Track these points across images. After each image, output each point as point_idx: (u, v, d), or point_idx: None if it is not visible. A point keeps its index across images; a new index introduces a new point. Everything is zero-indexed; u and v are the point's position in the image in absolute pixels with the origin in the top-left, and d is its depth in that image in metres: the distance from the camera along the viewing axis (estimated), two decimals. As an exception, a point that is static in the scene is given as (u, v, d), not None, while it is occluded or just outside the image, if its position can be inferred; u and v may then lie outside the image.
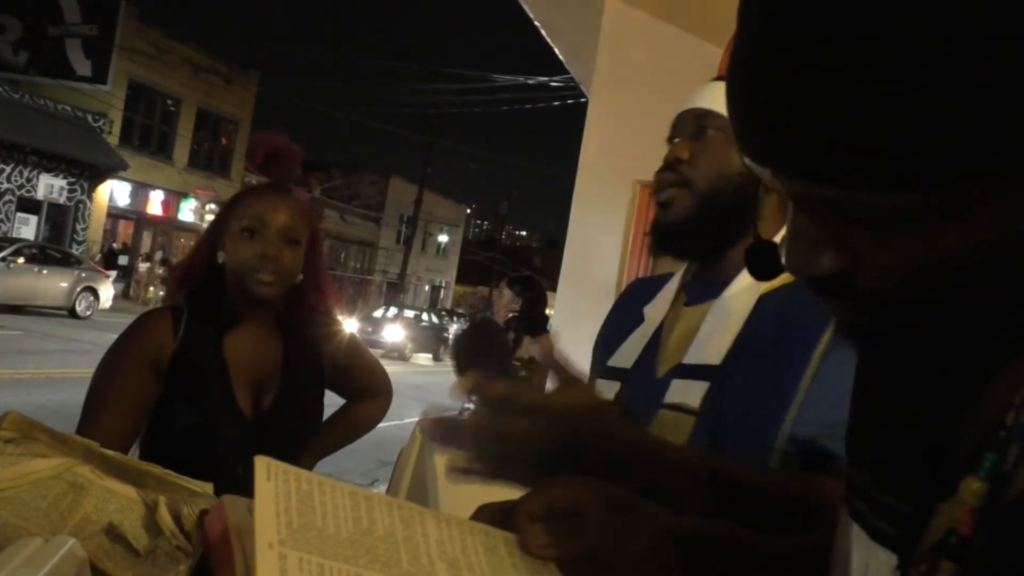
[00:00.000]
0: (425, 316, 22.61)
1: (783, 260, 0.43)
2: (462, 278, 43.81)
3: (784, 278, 0.89)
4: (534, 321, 3.84)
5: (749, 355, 0.89)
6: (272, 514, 0.44)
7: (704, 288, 0.99)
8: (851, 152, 0.36)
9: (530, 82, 29.62)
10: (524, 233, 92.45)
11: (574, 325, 2.97)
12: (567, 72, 4.29)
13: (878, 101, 0.34)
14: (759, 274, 0.72)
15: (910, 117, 0.34)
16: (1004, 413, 0.38)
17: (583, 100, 3.49)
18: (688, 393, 0.90)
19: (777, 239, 0.91)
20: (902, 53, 0.34)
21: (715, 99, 0.99)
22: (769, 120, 0.38)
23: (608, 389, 1.00)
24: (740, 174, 0.93)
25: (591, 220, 3.00)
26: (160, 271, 19.44)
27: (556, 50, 3.84)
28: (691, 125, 1.00)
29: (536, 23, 3.61)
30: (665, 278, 1.10)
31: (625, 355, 1.02)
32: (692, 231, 0.96)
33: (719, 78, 1.06)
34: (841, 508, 0.50)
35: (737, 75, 0.39)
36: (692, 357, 0.92)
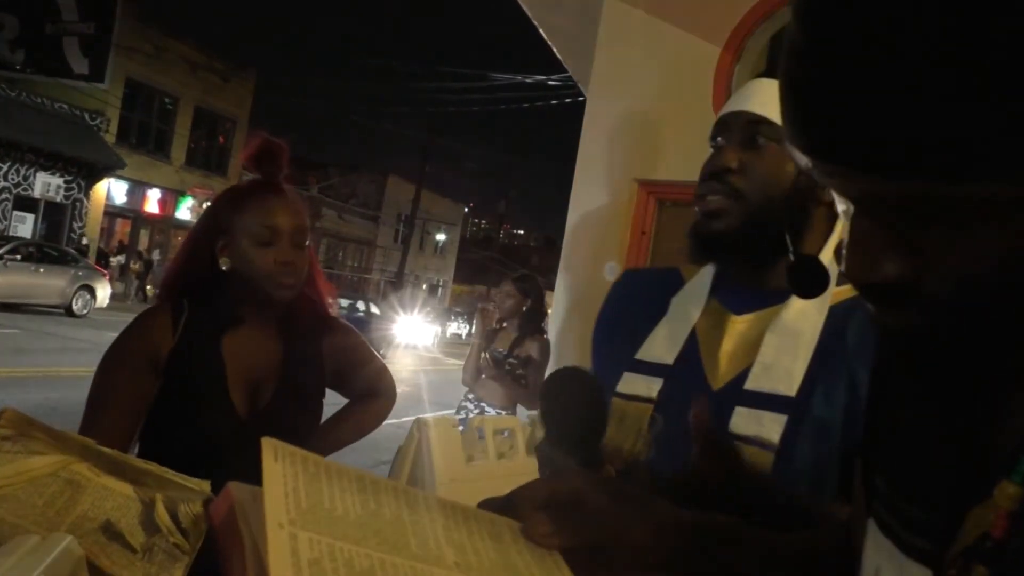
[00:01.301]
0: (361, 305, 19.47)
1: (843, 267, 0.41)
2: (460, 277, 43.85)
3: (848, 290, 0.87)
4: (532, 320, 3.85)
5: (828, 384, 0.84)
6: (281, 495, 0.44)
7: (749, 297, 0.94)
8: (942, 142, 0.33)
9: (528, 81, 29.66)
10: (522, 232, 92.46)
11: (572, 324, 2.97)
12: (565, 71, 4.29)
13: (965, 85, 0.32)
14: (803, 291, 0.70)
15: (998, 102, 0.32)
16: None
17: (581, 99, 3.49)
18: (761, 425, 0.84)
19: (823, 256, 0.89)
20: (985, 32, 0.31)
21: (768, 105, 0.92)
22: (843, 115, 0.35)
23: (643, 384, 0.95)
24: (792, 186, 0.89)
25: (588, 219, 3.00)
26: (135, 265, 19.35)
27: (554, 49, 3.84)
28: (741, 131, 0.93)
29: (534, 22, 3.61)
30: (666, 272, 1.07)
31: (659, 349, 0.97)
32: (740, 243, 0.91)
33: (764, 74, 1.00)
34: (868, 521, 0.49)
35: (801, 70, 0.36)
36: (759, 383, 0.87)
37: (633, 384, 0.97)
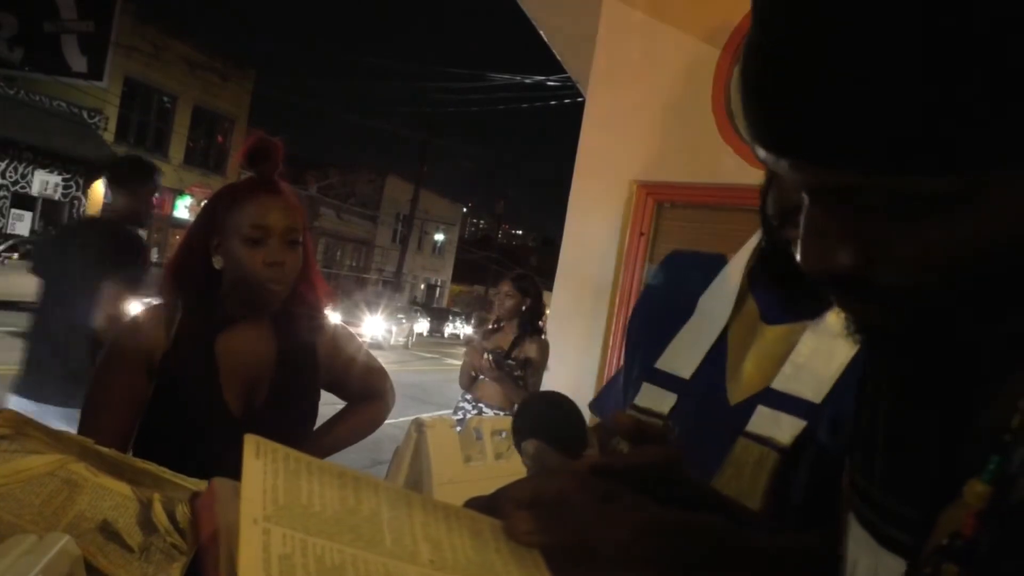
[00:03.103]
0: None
1: (799, 258, 0.41)
2: (458, 277, 43.79)
3: None
4: (531, 320, 3.84)
5: (849, 398, 0.80)
6: (259, 491, 0.44)
7: (789, 306, 0.88)
8: (886, 135, 0.34)
9: (527, 81, 29.63)
10: (520, 232, 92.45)
11: (570, 325, 2.97)
12: (564, 72, 4.29)
13: (918, 79, 0.33)
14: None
15: (948, 97, 0.33)
16: (1010, 417, 0.38)
17: (580, 100, 3.50)
18: (778, 426, 0.80)
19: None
20: (938, 34, 0.32)
21: None
22: (794, 106, 0.36)
23: (658, 398, 0.90)
24: None
25: (587, 219, 3.00)
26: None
27: (553, 50, 3.84)
28: None
29: (534, 22, 3.61)
30: (711, 258, 0.99)
31: (680, 360, 0.91)
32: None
33: None
34: (847, 513, 0.50)
35: (756, 63, 0.38)
36: (785, 384, 0.83)
37: (648, 396, 0.91)
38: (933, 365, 0.45)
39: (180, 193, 22.22)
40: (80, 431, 1.31)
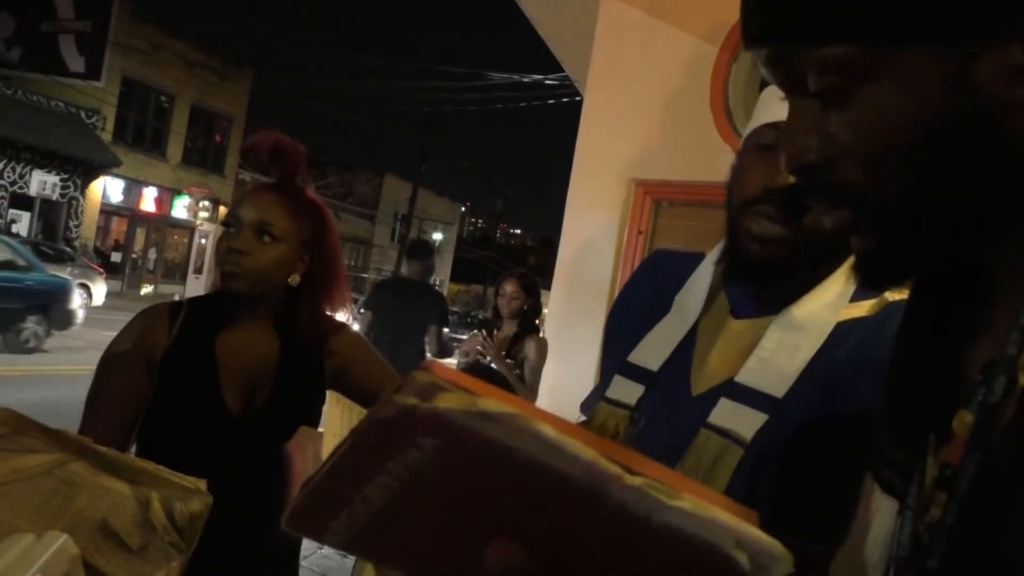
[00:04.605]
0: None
1: (782, 162, 0.47)
2: (457, 276, 43.77)
3: (863, 309, 0.85)
4: (531, 319, 3.85)
5: (819, 396, 0.80)
6: (338, 420, 0.55)
7: (756, 301, 0.90)
8: (796, 10, 0.42)
9: (525, 80, 29.61)
10: (519, 231, 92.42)
11: (569, 324, 2.97)
12: (562, 70, 4.29)
13: None
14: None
15: None
16: (997, 349, 0.39)
17: (578, 98, 3.49)
18: (739, 419, 0.81)
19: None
20: None
21: None
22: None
23: (627, 390, 0.92)
24: None
25: (586, 219, 3.00)
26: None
27: (551, 48, 3.84)
28: None
29: (532, 21, 3.61)
30: (693, 257, 1.00)
31: (650, 353, 0.93)
32: (789, 270, 0.85)
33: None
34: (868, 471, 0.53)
35: None
36: (749, 377, 0.83)
37: (618, 388, 0.93)
38: (930, 296, 0.48)
39: (178, 193, 22.19)
40: (80, 428, 1.31)
